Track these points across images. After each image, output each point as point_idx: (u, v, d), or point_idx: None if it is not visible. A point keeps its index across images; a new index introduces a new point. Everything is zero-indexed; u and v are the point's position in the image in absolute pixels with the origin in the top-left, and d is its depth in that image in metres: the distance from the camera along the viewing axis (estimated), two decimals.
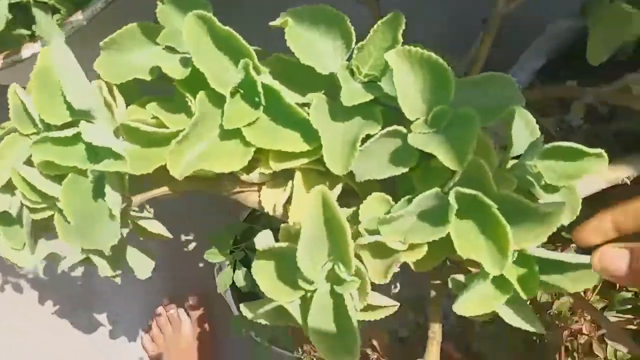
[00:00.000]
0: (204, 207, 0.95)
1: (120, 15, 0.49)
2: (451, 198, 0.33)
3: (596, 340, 0.52)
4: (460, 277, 0.37)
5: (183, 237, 0.97)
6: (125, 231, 0.52)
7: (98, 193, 0.43)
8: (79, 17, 0.50)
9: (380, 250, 0.38)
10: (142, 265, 0.55)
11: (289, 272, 0.40)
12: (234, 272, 0.71)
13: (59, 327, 0.96)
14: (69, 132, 0.40)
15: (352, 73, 0.41)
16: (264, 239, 0.41)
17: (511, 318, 0.36)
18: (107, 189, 0.41)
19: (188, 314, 0.95)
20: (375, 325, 0.71)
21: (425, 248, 0.37)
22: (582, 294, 0.53)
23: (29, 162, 0.45)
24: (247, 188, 0.47)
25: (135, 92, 0.47)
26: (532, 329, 0.37)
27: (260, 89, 0.39)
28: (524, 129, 0.34)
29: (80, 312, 0.96)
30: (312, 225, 0.36)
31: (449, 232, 0.35)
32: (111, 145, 0.38)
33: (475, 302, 0.36)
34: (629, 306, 0.52)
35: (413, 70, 0.37)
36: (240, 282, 0.70)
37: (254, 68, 0.39)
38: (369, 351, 0.60)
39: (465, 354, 0.56)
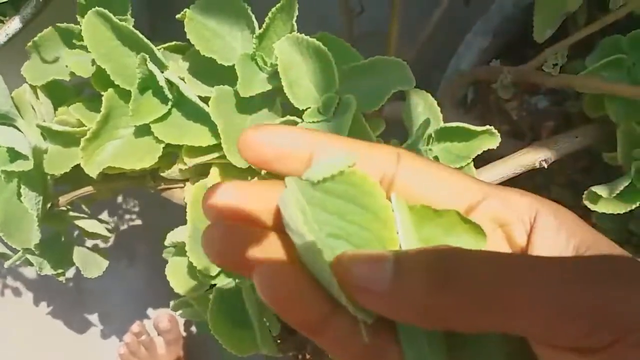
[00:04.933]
0: None
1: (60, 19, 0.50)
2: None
3: None
4: None
5: None
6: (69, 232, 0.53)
7: (20, 194, 0.43)
8: (16, 24, 0.51)
9: None
10: (90, 264, 0.56)
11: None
12: None
13: (53, 327, 0.98)
14: None
15: (257, 64, 0.40)
16: (174, 235, 0.41)
17: None
18: (24, 189, 0.41)
19: (159, 333, 0.92)
20: None
21: None
22: None
23: None
24: (173, 185, 0.47)
25: (65, 94, 0.48)
26: None
27: (162, 83, 0.39)
28: (418, 110, 0.33)
29: (73, 313, 0.99)
30: (196, 218, 0.36)
31: None
32: (14, 145, 0.39)
33: None
34: None
35: (304, 59, 0.36)
36: None
37: (155, 63, 0.39)
38: None
39: None
